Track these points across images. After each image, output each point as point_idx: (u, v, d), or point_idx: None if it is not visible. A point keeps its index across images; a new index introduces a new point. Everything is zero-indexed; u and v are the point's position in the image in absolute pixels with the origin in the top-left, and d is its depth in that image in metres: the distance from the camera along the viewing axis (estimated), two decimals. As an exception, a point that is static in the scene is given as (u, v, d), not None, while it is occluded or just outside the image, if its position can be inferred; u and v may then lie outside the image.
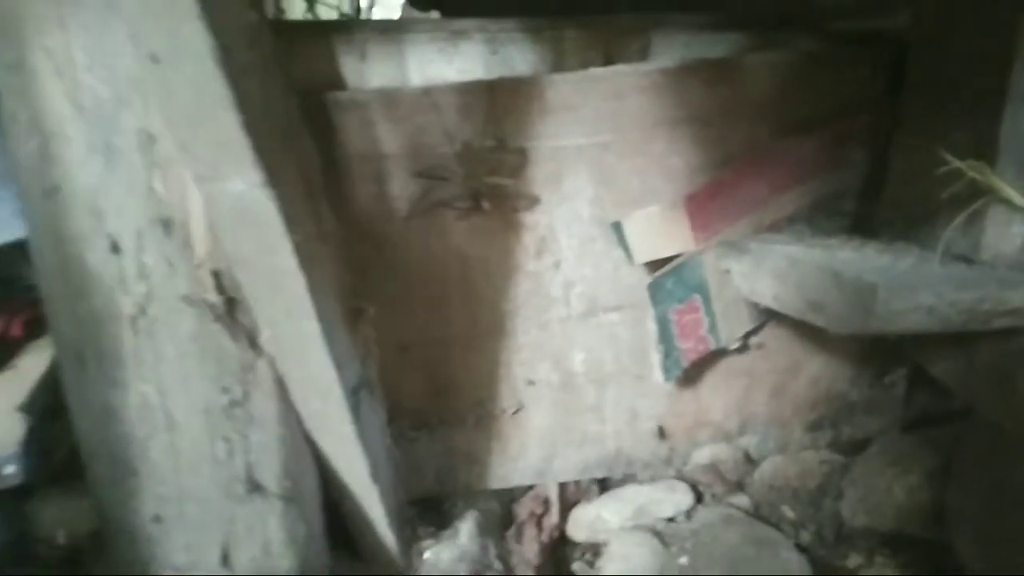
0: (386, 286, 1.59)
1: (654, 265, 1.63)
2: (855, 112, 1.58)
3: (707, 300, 1.63)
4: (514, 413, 1.84)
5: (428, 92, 1.42)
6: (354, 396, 1.38)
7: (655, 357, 1.69)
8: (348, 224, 1.47)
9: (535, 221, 1.60)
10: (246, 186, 1.02)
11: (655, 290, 1.58)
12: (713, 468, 2.09)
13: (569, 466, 1.97)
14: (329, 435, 1.42)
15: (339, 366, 1.30)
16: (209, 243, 1.19)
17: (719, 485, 2.13)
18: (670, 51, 1.66)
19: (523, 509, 2.06)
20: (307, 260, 1.15)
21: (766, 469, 2.12)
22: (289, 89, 1.22)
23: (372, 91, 1.43)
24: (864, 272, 1.23)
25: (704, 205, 1.55)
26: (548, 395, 1.83)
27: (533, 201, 1.57)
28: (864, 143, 1.61)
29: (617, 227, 1.57)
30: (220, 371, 1.29)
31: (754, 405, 1.95)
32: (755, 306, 1.69)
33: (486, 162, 1.47)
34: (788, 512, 2.09)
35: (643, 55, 1.66)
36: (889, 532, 1.93)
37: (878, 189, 1.64)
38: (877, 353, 1.89)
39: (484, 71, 1.62)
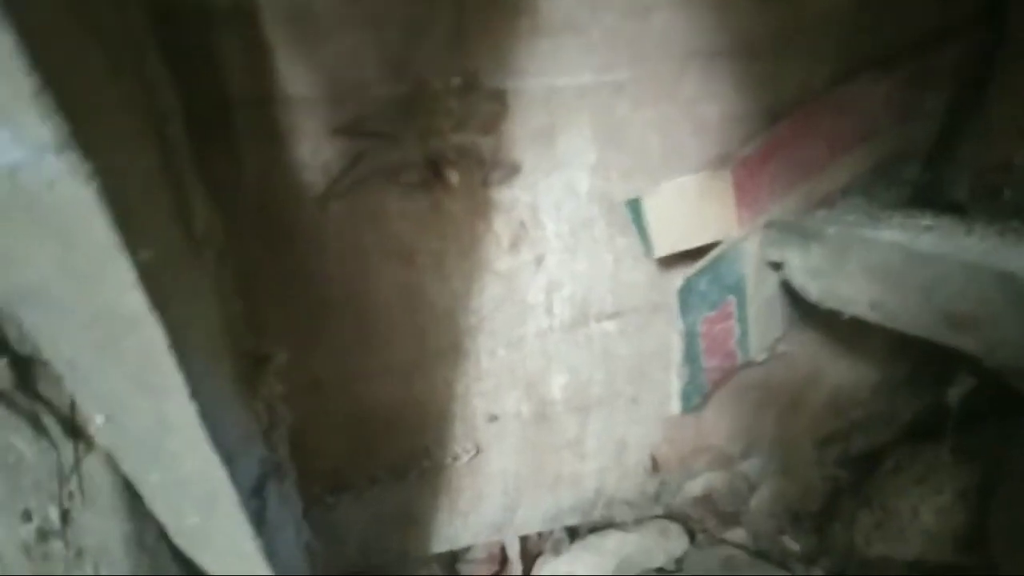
0: (291, 301, 1.05)
1: (668, 258, 1.18)
2: (939, 44, 1.17)
3: (742, 302, 1.20)
4: (469, 459, 1.35)
5: (359, -4, 0.88)
6: (256, 497, 0.85)
7: (673, 384, 1.24)
8: (233, 209, 0.91)
9: (512, 199, 1.10)
10: (25, 149, 0.46)
11: (686, 295, 1.13)
12: (706, 499, 1.70)
13: (535, 515, 1.52)
14: (217, 556, 0.87)
15: (230, 459, 0.76)
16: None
17: (712, 519, 1.74)
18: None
19: (473, 570, 1.59)
20: (166, 291, 0.60)
21: (764, 494, 1.75)
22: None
23: (267, -10, 0.87)
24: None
25: (755, 173, 1.10)
26: (515, 431, 1.36)
27: (512, 170, 1.07)
28: (944, 86, 1.21)
29: (635, 207, 1.10)
30: (14, 486, 0.72)
31: (763, 423, 1.55)
32: (792, 305, 1.27)
33: (450, 111, 0.95)
34: (791, 544, 1.74)
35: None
36: (913, 560, 1.61)
37: (948, 149, 1.24)
38: (913, 353, 1.53)
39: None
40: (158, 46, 0.74)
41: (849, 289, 1.03)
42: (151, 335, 0.60)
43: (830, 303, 1.08)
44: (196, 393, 0.67)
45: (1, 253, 0.53)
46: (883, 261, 0.97)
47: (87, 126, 0.47)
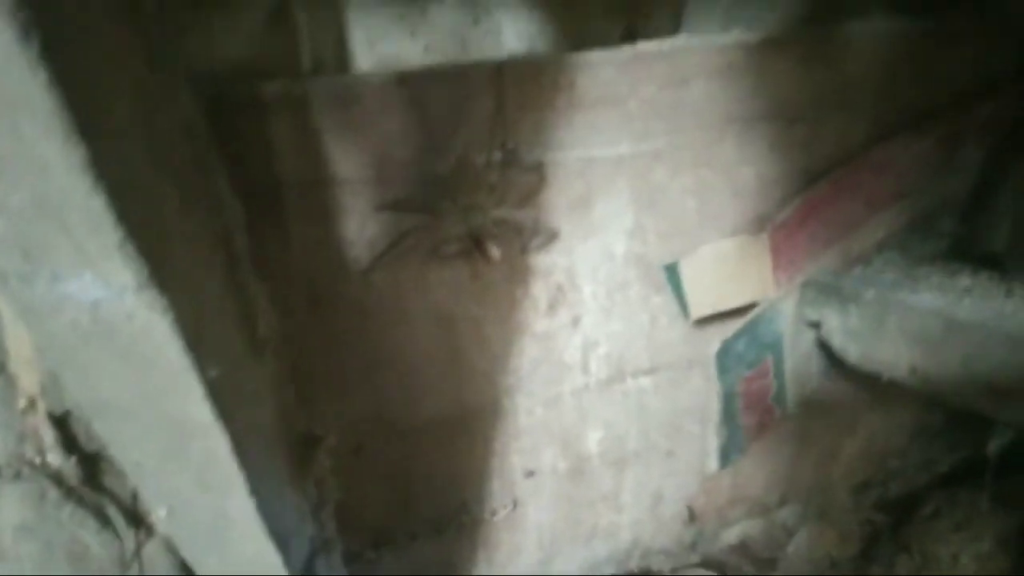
0: (335, 368, 1.06)
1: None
2: (975, 101, 1.17)
3: (779, 359, 1.20)
4: (507, 513, 1.36)
5: (404, 81, 0.90)
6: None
7: (711, 442, 1.24)
8: (282, 286, 0.93)
9: (550, 264, 1.11)
10: (107, 290, 0.48)
11: (724, 358, 1.13)
12: (742, 547, 1.69)
13: (571, 567, 1.52)
14: (268, 632, 0.88)
15: (285, 543, 0.77)
16: (41, 369, 0.63)
17: (748, 566, 1.72)
18: (710, 21, 1.19)
19: (509, 620, 1.59)
20: (231, 399, 0.61)
21: (800, 540, 1.73)
22: (184, 94, 0.67)
23: (315, 81, 0.89)
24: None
25: (792, 235, 1.11)
26: (552, 486, 1.37)
27: (550, 237, 1.08)
28: (981, 141, 1.21)
29: (672, 271, 1.10)
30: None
31: (800, 472, 1.55)
32: (828, 357, 1.27)
33: (491, 186, 0.97)
34: (829, 590, 1.72)
35: (675, 25, 1.19)
36: (952, 608, 1.59)
37: (985, 200, 1.24)
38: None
39: (461, 47, 1.11)
40: (215, 137, 0.77)
41: (888, 353, 1.03)
42: (216, 441, 0.61)
43: (869, 366, 1.08)
44: (255, 490, 0.68)
45: (82, 373, 0.55)
46: (922, 327, 0.98)
47: (163, 264, 0.49)
